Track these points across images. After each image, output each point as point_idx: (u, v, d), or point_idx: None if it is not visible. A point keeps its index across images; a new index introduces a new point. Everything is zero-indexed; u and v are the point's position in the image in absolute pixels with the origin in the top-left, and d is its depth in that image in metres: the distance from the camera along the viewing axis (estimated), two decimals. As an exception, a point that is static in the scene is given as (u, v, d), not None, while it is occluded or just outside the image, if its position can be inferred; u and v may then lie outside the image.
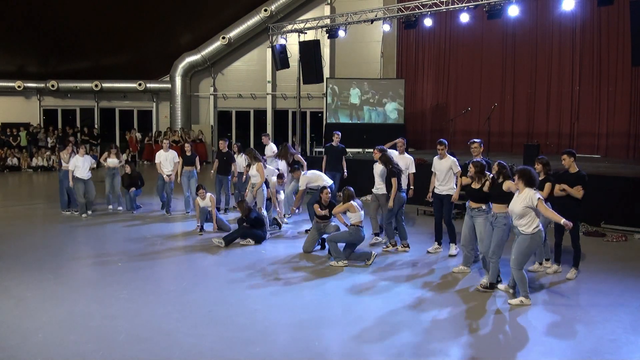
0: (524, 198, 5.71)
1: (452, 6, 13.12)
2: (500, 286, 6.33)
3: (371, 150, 8.87)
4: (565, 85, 15.23)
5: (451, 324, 5.39)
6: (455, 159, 7.96)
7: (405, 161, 8.97)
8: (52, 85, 21.14)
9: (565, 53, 15.16)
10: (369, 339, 5.00)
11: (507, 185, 6.18)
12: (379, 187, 8.30)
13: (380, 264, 7.41)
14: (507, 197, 6.07)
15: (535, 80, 15.82)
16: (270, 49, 17.94)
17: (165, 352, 4.69)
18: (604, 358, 4.65)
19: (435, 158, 8.06)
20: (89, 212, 10.67)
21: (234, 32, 20.27)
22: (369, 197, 9.32)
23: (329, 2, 19.99)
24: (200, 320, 5.39)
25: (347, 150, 11.92)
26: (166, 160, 10.89)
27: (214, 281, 6.66)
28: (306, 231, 9.32)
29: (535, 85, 15.83)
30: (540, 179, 6.35)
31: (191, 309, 5.69)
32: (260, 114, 21.63)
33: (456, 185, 7.76)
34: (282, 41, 16.64)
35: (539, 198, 5.65)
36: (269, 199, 9.59)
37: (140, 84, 21.35)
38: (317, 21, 16.21)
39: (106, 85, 21.41)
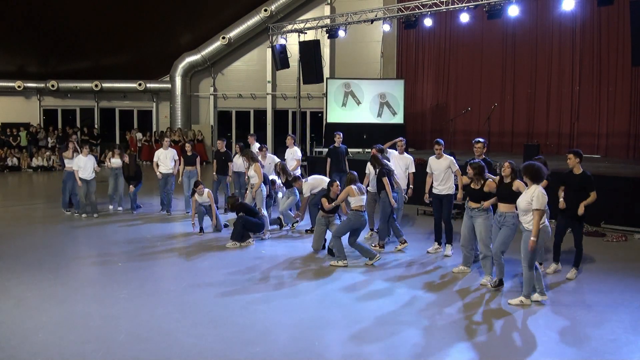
0: (530, 194, 5.69)
1: (452, 6, 13.12)
2: (483, 280, 6.48)
3: (370, 150, 8.91)
4: (565, 85, 15.22)
5: (451, 324, 5.38)
6: (452, 158, 7.96)
7: (405, 161, 8.98)
8: (52, 85, 21.14)
9: (565, 53, 15.15)
10: (369, 339, 5.00)
11: (516, 185, 6.18)
12: (372, 185, 8.49)
13: (379, 263, 7.40)
14: (516, 197, 6.07)
15: (535, 80, 15.82)
16: (270, 49, 17.95)
17: (165, 352, 4.69)
18: (604, 358, 4.65)
19: (432, 158, 8.03)
20: (95, 215, 10.65)
21: (234, 32, 20.27)
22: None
23: (329, 2, 19.99)
24: (200, 320, 5.39)
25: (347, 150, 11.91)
26: (166, 158, 10.91)
27: (214, 281, 6.65)
28: (306, 231, 9.32)
29: (535, 85, 15.83)
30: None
31: (191, 309, 5.69)
32: (260, 114, 21.63)
33: (456, 184, 7.76)
34: (282, 41, 16.64)
35: (536, 209, 5.59)
36: (269, 196, 9.57)
37: (140, 84, 21.35)
38: (317, 21, 16.22)
39: (106, 85, 21.41)
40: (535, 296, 5.89)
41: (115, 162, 11.15)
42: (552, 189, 6.70)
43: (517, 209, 5.96)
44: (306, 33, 16.38)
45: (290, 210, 9.78)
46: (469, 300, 6.03)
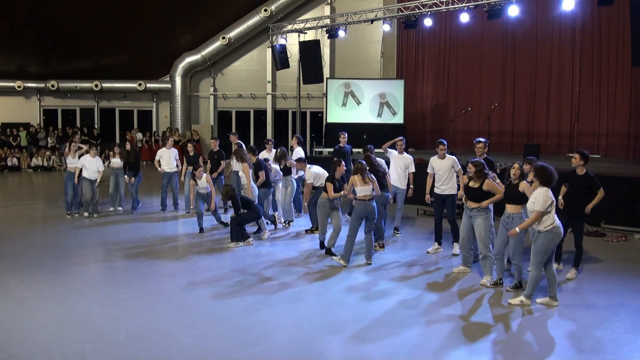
0: (536, 196, 5.65)
1: (452, 6, 13.12)
2: (483, 280, 6.48)
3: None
4: (565, 85, 15.21)
5: (451, 324, 5.38)
6: (455, 158, 7.95)
7: (405, 161, 8.98)
8: (52, 85, 21.13)
9: (565, 53, 15.14)
10: (369, 339, 5.00)
11: (522, 186, 6.18)
12: None
13: (379, 264, 7.40)
14: (522, 198, 6.04)
15: (535, 80, 15.81)
16: (270, 49, 17.95)
17: (165, 352, 4.69)
18: (604, 358, 4.65)
19: (434, 158, 8.01)
20: (96, 215, 10.65)
21: (234, 32, 20.26)
22: None
23: (329, 2, 19.97)
24: (200, 320, 5.40)
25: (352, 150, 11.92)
26: (169, 157, 11.00)
27: (214, 281, 6.65)
28: (306, 231, 9.31)
29: (535, 85, 15.82)
30: (528, 180, 6.30)
31: (191, 309, 5.69)
32: (260, 114, 21.63)
33: (459, 184, 7.76)
34: (282, 41, 16.64)
35: (538, 210, 5.58)
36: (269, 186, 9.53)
37: (140, 84, 21.34)
38: (317, 21, 16.22)
39: (106, 85, 21.40)
40: (547, 300, 5.81)
41: (116, 162, 11.15)
42: (553, 189, 6.68)
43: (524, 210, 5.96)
44: (306, 33, 16.38)
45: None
46: (469, 301, 6.03)
